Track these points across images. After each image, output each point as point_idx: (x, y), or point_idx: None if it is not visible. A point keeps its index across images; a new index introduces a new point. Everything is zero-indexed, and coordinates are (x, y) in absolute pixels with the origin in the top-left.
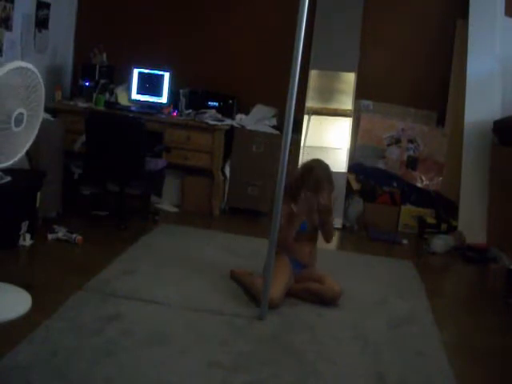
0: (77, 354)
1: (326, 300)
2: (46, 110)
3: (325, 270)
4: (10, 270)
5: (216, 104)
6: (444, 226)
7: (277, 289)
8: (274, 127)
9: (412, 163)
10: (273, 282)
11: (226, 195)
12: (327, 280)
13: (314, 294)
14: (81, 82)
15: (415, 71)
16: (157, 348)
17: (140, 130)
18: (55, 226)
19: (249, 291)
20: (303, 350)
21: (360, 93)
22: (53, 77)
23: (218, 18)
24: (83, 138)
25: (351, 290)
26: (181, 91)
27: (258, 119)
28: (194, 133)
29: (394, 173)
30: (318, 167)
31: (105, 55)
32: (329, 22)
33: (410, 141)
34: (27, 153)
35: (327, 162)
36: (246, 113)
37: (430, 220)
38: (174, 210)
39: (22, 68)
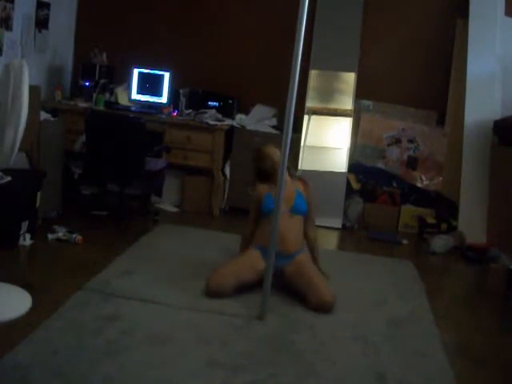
0: (77, 353)
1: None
2: (46, 110)
3: (318, 271)
4: (10, 270)
5: (216, 104)
6: (444, 226)
7: (216, 275)
8: (274, 127)
9: (412, 163)
10: (218, 268)
11: (225, 195)
12: (316, 288)
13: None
14: (81, 82)
15: (415, 71)
16: (157, 348)
17: (140, 130)
18: (55, 226)
19: None
20: (303, 350)
21: (360, 93)
22: (53, 77)
23: (219, 18)
24: (83, 137)
25: (351, 289)
26: (181, 91)
27: (258, 119)
28: (194, 133)
29: (394, 173)
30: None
31: (105, 55)
32: (329, 21)
33: (410, 141)
34: (27, 153)
35: (327, 161)
36: (246, 113)
37: (430, 220)
38: (174, 209)
39: None
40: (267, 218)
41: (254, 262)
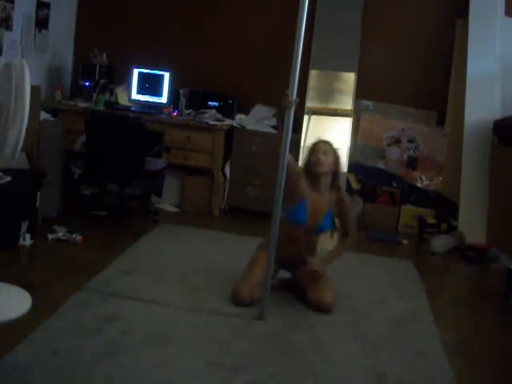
0: (77, 353)
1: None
2: (46, 110)
3: (321, 277)
4: (10, 270)
5: (216, 104)
6: (444, 226)
7: (245, 284)
8: (273, 127)
9: (412, 163)
10: (245, 275)
11: (225, 195)
12: (318, 288)
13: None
14: (81, 82)
15: (415, 71)
16: (157, 348)
17: (140, 130)
18: (55, 226)
19: None
20: (303, 350)
21: (360, 93)
22: (53, 77)
23: (218, 18)
24: (83, 137)
25: (351, 289)
26: (181, 91)
27: (257, 119)
28: (194, 133)
29: (394, 173)
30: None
31: (105, 55)
32: (329, 21)
33: (410, 141)
34: (27, 153)
35: None
36: (246, 113)
37: (430, 220)
38: (174, 209)
39: None
40: (288, 225)
41: (260, 269)
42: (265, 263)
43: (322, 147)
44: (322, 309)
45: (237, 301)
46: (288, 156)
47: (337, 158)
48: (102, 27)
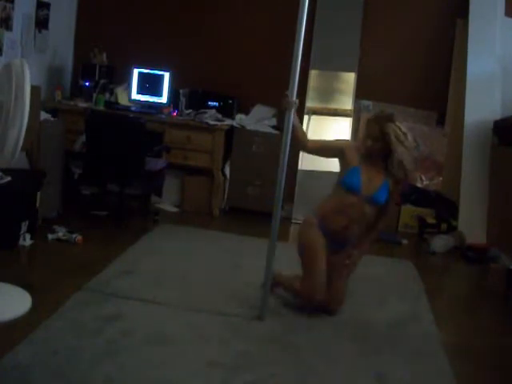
0: (77, 353)
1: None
2: (46, 110)
3: (348, 276)
4: (10, 269)
5: (216, 104)
6: (444, 226)
7: (315, 282)
8: (273, 127)
9: None
10: (309, 272)
11: (225, 195)
12: (334, 291)
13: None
14: (81, 82)
15: (415, 71)
16: (157, 348)
17: (140, 130)
18: (55, 226)
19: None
20: (303, 350)
21: (360, 93)
22: (53, 77)
23: (218, 18)
24: (83, 137)
25: (351, 290)
26: (181, 91)
27: (257, 119)
28: (194, 133)
29: None
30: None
31: (105, 55)
32: (329, 21)
33: None
34: (27, 153)
35: (327, 161)
36: (246, 113)
37: (430, 220)
38: (174, 209)
39: None
40: (341, 192)
41: (323, 255)
42: (320, 253)
43: (373, 132)
44: (328, 310)
45: (311, 304)
46: (295, 121)
47: (388, 140)
48: (102, 27)
